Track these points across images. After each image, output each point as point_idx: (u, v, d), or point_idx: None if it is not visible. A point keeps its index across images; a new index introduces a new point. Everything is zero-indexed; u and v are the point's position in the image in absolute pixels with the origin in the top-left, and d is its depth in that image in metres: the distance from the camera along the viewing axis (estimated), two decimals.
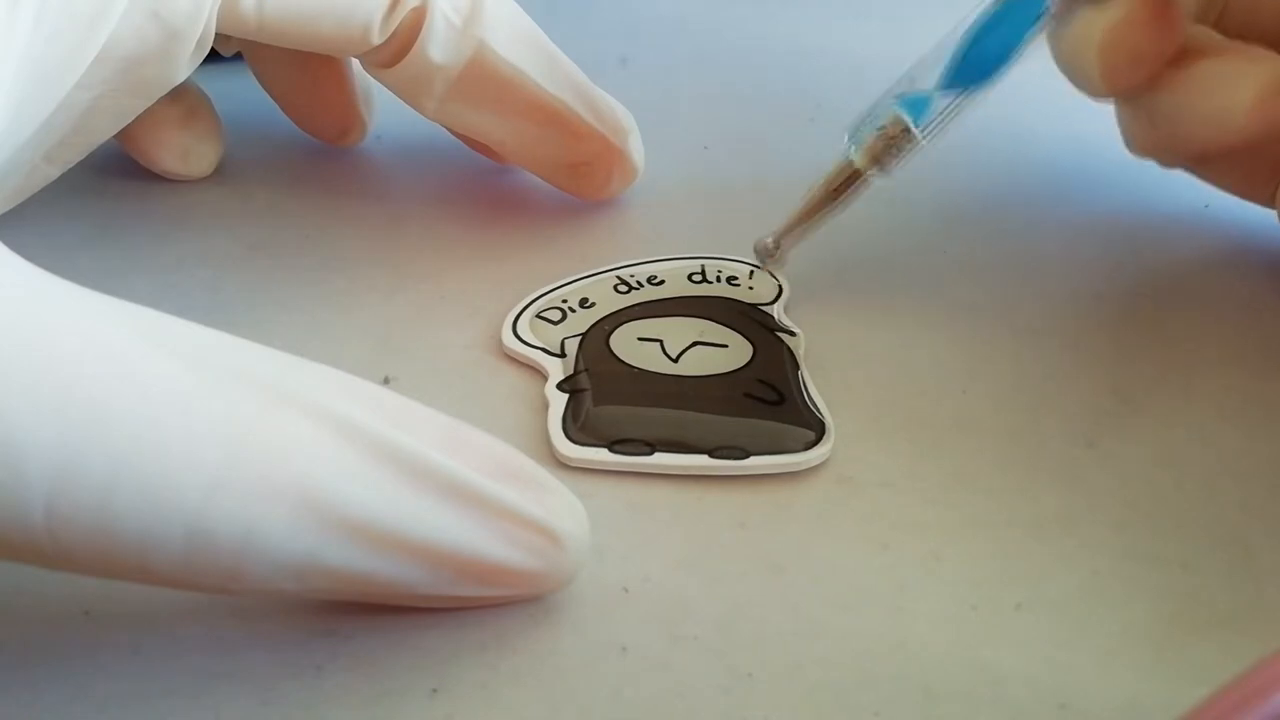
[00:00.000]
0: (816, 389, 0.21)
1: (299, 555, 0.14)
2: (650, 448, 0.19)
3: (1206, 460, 0.20)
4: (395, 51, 0.23)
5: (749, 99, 0.33)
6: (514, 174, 0.28)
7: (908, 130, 0.22)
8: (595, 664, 0.16)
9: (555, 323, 0.22)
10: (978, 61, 0.22)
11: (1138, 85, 0.22)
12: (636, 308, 0.23)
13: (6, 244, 0.14)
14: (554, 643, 0.16)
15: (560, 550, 0.16)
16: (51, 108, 0.19)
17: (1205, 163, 0.24)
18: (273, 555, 0.14)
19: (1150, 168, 0.25)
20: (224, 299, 0.23)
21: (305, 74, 0.27)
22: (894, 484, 0.19)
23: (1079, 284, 0.25)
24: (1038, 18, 0.22)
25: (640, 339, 0.22)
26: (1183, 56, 0.22)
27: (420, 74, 0.23)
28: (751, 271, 0.24)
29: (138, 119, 0.23)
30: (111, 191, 0.27)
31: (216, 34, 0.21)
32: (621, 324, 0.22)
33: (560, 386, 0.21)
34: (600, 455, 0.19)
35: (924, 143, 0.22)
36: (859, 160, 0.22)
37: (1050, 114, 0.26)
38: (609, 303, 0.23)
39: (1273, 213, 0.24)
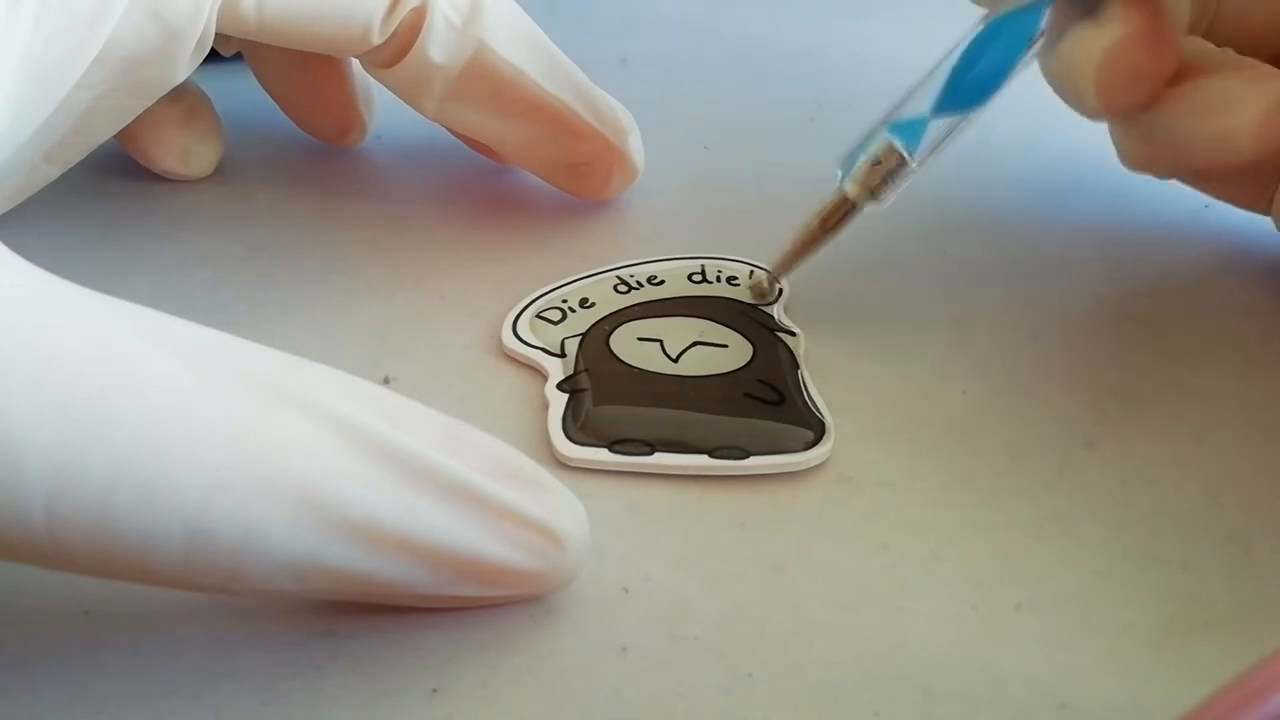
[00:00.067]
0: (816, 389, 0.21)
1: (299, 555, 0.14)
2: (650, 448, 0.19)
3: (1206, 460, 0.20)
4: (395, 51, 0.23)
5: (749, 99, 0.33)
6: (514, 174, 0.28)
7: (901, 157, 0.21)
8: (595, 664, 0.16)
9: (555, 323, 0.22)
10: (970, 84, 0.21)
11: (1135, 105, 0.22)
12: (636, 308, 0.23)
13: (6, 244, 0.14)
14: (554, 643, 0.16)
15: (560, 550, 0.16)
16: (51, 108, 0.19)
17: (1198, 175, 0.24)
18: (273, 555, 0.14)
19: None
20: (224, 299, 0.23)
21: (305, 74, 0.27)
22: (894, 484, 0.19)
23: (1079, 284, 0.25)
24: (1030, 39, 0.22)
25: (640, 339, 0.22)
26: (1180, 74, 0.22)
27: (420, 74, 0.23)
28: (751, 271, 0.24)
29: (138, 119, 0.23)
30: (111, 191, 0.27)
31: (216, 34, 0.21)
32: (621, 324, 0.22)
33: (560, 386, 0.21)
34: (600, 455, 0.19)
35: (917, 169, 0.21)
36: (851, 191, 0.22)
37: (1050, 117, 0.26)
38: (609, 303, 0.23)
39: (1270, 217, 0.24)
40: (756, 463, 0.19)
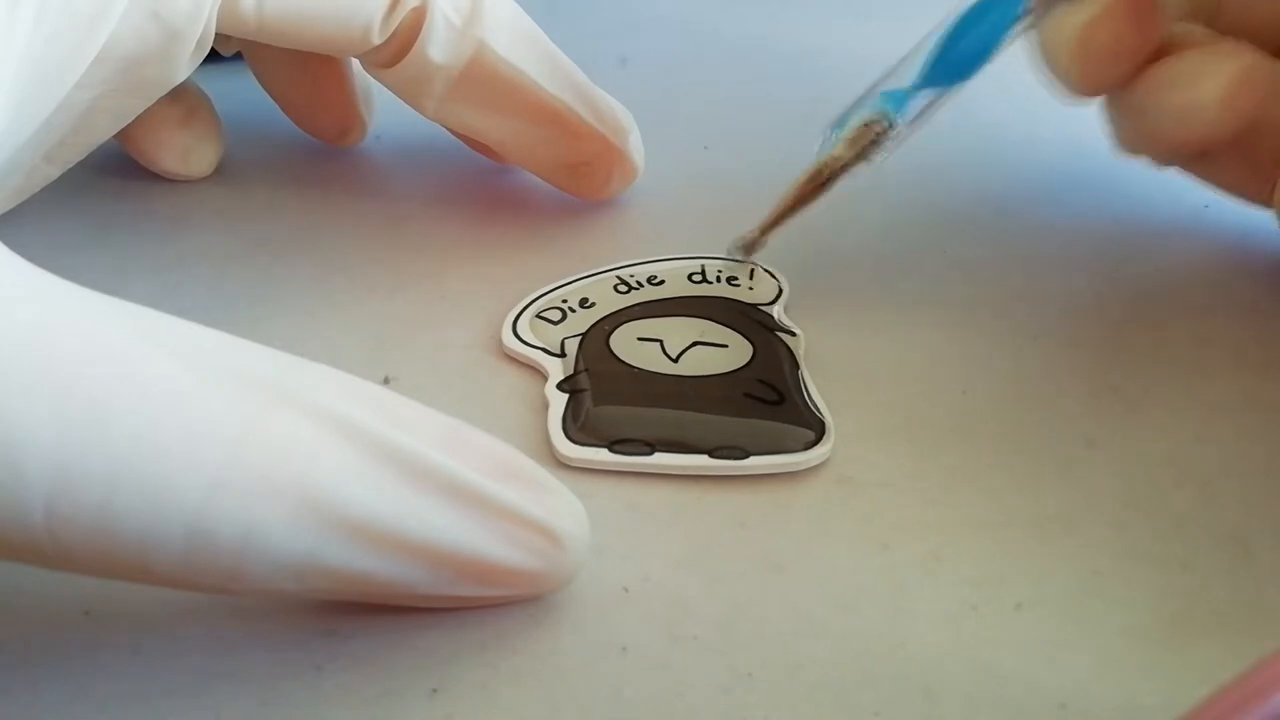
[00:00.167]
0: (816, 389, 0.21)
1: (299, 555, 0.14)
2: (650, 448, 0.19)
3: (1206, 460, 0.20)
4: (395, 51, 0.23)
5: (749, 99, 0.33)
6: (514, 174, 0.28)
7: (889, 124, 0.22)
8: (595, 664, 0.16)
9: (555, 323, 0.22)
10: (957, 60, 0.22)
11: (1115, 84, 0.22)
12: (636, 308, 0.23)
13: (6, 244, 0.14)
14: (554, 643, 0.16)
15: (560, 550, 0.16)
16: (51, 108, 0.19)
17: (1195, 161, 0.24)
18: (273, 555, 0.14)
19: (1148, 168, 0.25)
20: (224, 299, 0.23)
21: (305, 74, 0.27)
22: (894, 484, 0.19)
23: (1079, 284, 0.25)
24: (1017, 17, 0.22)
25: (640, 339, 0.22)
26: (1161, 52, 0.22)
27: (420, 74, 0.23)
28: (752, 271, 0.24)
29: (138, 119, 0.23)
30: (111, 191, 0.27)
31: (216, 34, 0.21)
32: (621, 324, 0.22)
33: (560, 386, 0.21)
34: (600, 455, 0.19)
35: (903, 135, 0.22)
36: (842, 152, 0.22)
37: (1050, 115, 0.26)
38: (609, 303, 0.23)
39: (1272, 213, 0.24)
40: (756, 463, 0.19)
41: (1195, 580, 0.18)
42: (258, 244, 0.25)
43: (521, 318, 0.22)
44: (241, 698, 0.15)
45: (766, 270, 0.24)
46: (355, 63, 0.27)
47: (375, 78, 0.25)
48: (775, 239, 0.23)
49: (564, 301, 0.23)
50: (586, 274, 0.24)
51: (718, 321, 0.22)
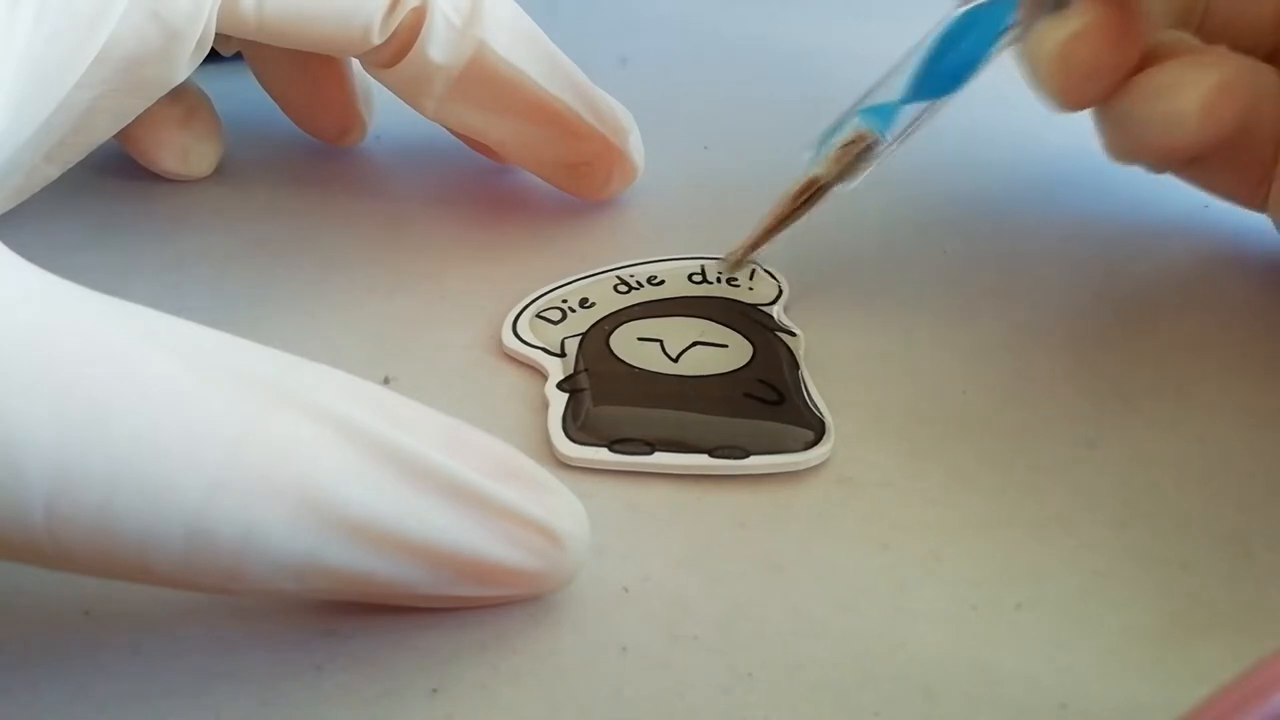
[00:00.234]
0: (816, 389, 0.21)
1: (299, 555, 0.14)
2: (650, 447, 0.19)
3: (1206, 460, 0.20)
4: (395, 51, 0.23)
5: (749, 99, 0.33)
6: (514, 174, 0.28)
7: (870, 141, 0.22)
8: (595, 664, 0.16)
9: (555, 322, 0.22)
10: (943, 73, 0.22)
11: (1096, 98, 0.22)
12: (636, 308, 0.23)
13: (6, 244, 0.14)
14: (554, 643, 0.16)
15: (560, 550, 0.16)
16: (51, 108, 0.19)
17: (1187, 167, 0.24)
18: (273, 555, 0.14)
19: (1144, 172, 0.25)
20: (224, 299, 0.23)
21: (305, 74, 0.27)
22: (894, 484, 0.19)
23: (1079, 284, 0.25)
24: (1003, 31, 0.22)
25: (640, 339, 0.22)
26: (1147, 61, 0.22)
27: (420, 74, 0.23)
28: (752, 272, 0.24)
29: (138, 119, 0.23)
30: (111, 191, 0.27)
31: (216, 34, 0.21)
32: (621, 324, 0.22)
33: (560, 386, 0.21)
34: (600, 455, 0.19)
35: (885, 151, 0.22)
36: (824, 170, 0.22)
37: (1050, 116, 0.26)
38: (609, 303, 0.23)
39: (1268, 216, 0.24)
40: (756, 462, 0.19)
41: (1195, 580, 0.18)
42: (258, 244, 0.25)
43: (521, 318, 0.22)
44: (241, 698, 0.15)
45: (766, 270, 0.24)
46: (355, 63, 0.27)
47: (375, 78, 0.25)
48: (770, 246, 0.23)
49: (564, 301, 0.23)
50: (586, 274, 0.24)
51: (718, 321, 0.22)
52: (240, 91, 0.28)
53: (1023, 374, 0.22)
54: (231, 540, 0.14)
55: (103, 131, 0.22)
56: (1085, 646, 0.16)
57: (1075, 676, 0.16)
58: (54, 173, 0.22)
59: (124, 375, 0.13)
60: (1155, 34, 0.23)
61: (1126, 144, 0.23)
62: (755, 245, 0.23)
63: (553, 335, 0.22)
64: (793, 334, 0.22)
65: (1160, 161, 0.24)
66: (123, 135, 0.25)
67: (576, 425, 0.20)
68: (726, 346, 0.22)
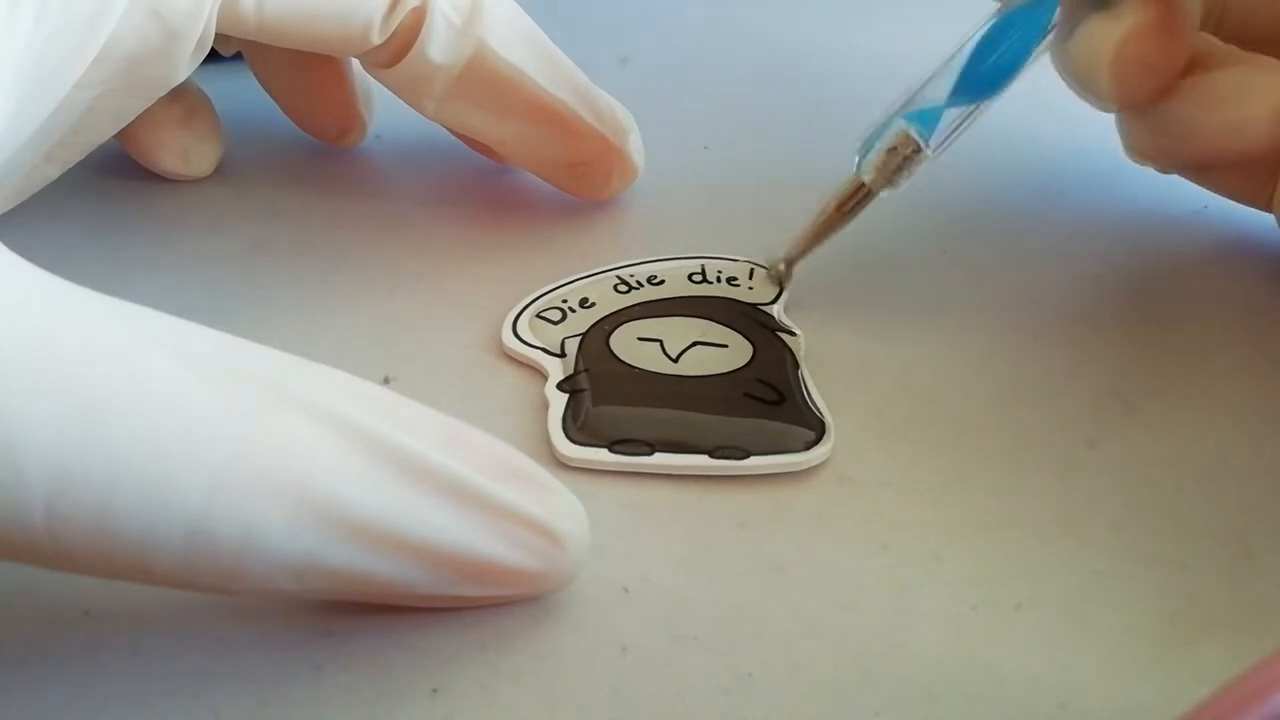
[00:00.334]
0: (816, 389, 0.21)
1: (299, 555, 0.14)
2: (650, 448, 0.19)
3: (1206, 460, 0.20)
4: (395, 51, 0.23)
5: (749, 99, 0.33)
6: (514, 174, 0.28)
7: (917, 145, 0.22)
8: (595, 664, 0.16)
9: (555, 322, 0.22)
10: (985, 74, 0.22)
11: (1148, 97, 0.22)
12: (636, 308, 0.23)
13: (6, 244, 0.14)
14: (554, 643, 0.16)
15: (560, 550, 0.16)
16: (51, 107, 0.19)
17: (1207, 169, 0.25)
18: (273, 555, 0.14)
19: (1149, 169, 0.25)
20: (224, 299, 0.23)
21: (305, 74, 0.27)
22: (894, 484, 0.19)
23: (1079, 284, 0.25)
24: (1045, 29, 0.22)
25: (640, 339, 0.22)
26: (1191, 67, 0.22)
27: (420, 74, 0.23)
28: (751, 271, 0.24)
29: (138, 119, 0.23)
30: (111, 191, 0.27)
31: (216, 34, 0.21)
32: (621, 324, 0.22)
33: (560, 386, 0.21)
34: (600, 455, 0.19)
35: (932, 156, 0.22)
36: (869, 178, 0.22)
37: (1051, 115, 0.26)
38: (609, 303, 0.23)
39: (1271, 213, 0.24)
40: (756, 463, 0.19)
41: (1195, 580, 0.18)
42: (257, 244, 0.25)
43: (521, 318, 0.22)
44: (241, 698, 0.15)
45: (766, 270, 0.24)
46: (355, 63, 0.27)
47: (375, 78, 0.25)
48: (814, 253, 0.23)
49: (564, 301, 0.23)
50: (586, 274, 0.23)
51: (718, 321, 0.22)
52: (240, 91, 0.28)
53: (1023, 374, 0.22)
54: (231, 540, 0.14)
55: (103, 131, 0.22)
56: (1085, 646, 0.16)
57: (1075, 676, 0.16)
58: (54, 172, 0.22)
59: (124, 375, 0.13)
60: (1194, 37, 0.23)
61: (1171, 146, 0.23)
62: (803, 252, 0.23)
63: (553, 335, 0.22)
64: (793, 334, 0.22)
65: (1202, 164, 0.24)
66: (123, 135, 0.25)
67: (576, 425, 0.20)
68: (726, 346, 0.22)
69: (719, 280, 0.23)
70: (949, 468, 0.19)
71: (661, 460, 0.19)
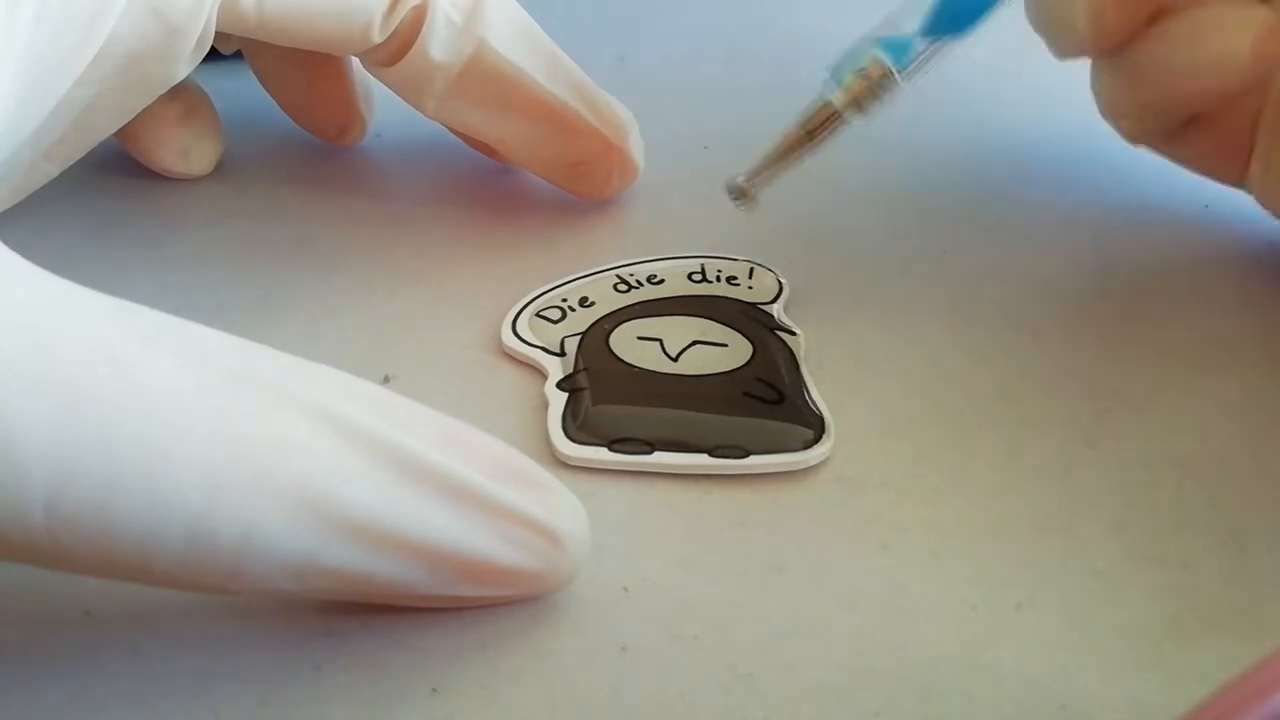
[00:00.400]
0: (816, 388, 0.21)
1: (299, 555, 0.14)
2: (650, 447, 0.19)
3: (1206, 460, 0.20)
4: (396, 50, 0.23)
5: (749, 97, 0.33)
6: (514, 173, 0.28)
7: (888, 73, 0.21)
8: (595, 663, 0.16)
9: (555, 322, 0.22)
10: (957, 12, 0.21)
11: (1125, 36, 0.22)
12: (636, 307, 0.23)
13: (6, 243, 0.14)
14: (554, 642, 0.16)
15: (560, 550, 0.16)
16: (51, 105, 0.19)
17: (1172, 137, 0.24)
18: (272, 555, 0.14)
19: (1151, 167, 0.25)
20: (224, 298, 0.23)
21: (305, 72, 0.27)
22: (894, 484, 0.19)
23: (1079, 284, 0.25)
24: None
25: (640, 338, 0.22)
26: (1163, 11, 0.22)
27: (420, 72, 0.23)
28: (751, 271, 0.24)
29: (138, 117, 0.23)
30: (111, 190, 0.26)
31: (216, 32, 0.21)
32: (621, 323, 0.22)
33: (560, 385, 0.21)
34: (600, 454, 0.19)
35: (903, 85, 0.21)
36: (838, 101, 0.22)
37: (1051, 115, 0.26)
38: (609, 302, 0.23)
39: (1244, 189, 0.24)
40: (756, 462, 0.19)
41: (1195, 580, 0.18)
42: (257, 243, 0.25)
43: (521, 317, 0.22)
44: (241, 698, 0.15)
45: (767, 269, 0.24)
46: (355, 61, 0.27)
47: (375, 76, 0.25)
48: (778, 176, 0.23)
49: (564, 300, 0.23)
50: (586, 273, 0.23)
51: (717, 320, 0.22)
52: (240, 90, 0.28)
53: (1023, 374, 0.22)
54: (231, 540, 0.14)
55: (103, 129, 0.22)
56: (1085, 646, 0.16)
57: (1075, 676, 0.16)
58: (54, 170, 0.22)
59: (124, 375, 0.13)
60: None
61: (1147, 94, 0.23)
62: (757, 173, 0.22)
63: (552, 334, 0.22)
64: (793, 333, 0.22)
65: (1166, 115, 0.24)
66: (122, 133, 0.25)
67: (576, 425, 0.20)
68: (726, 345, 0.22)
69: (719, 279, 0.23)
70: (949, 468, 0.19)
71: (661, 459, 0.19)
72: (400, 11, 0.22)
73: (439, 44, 0.23)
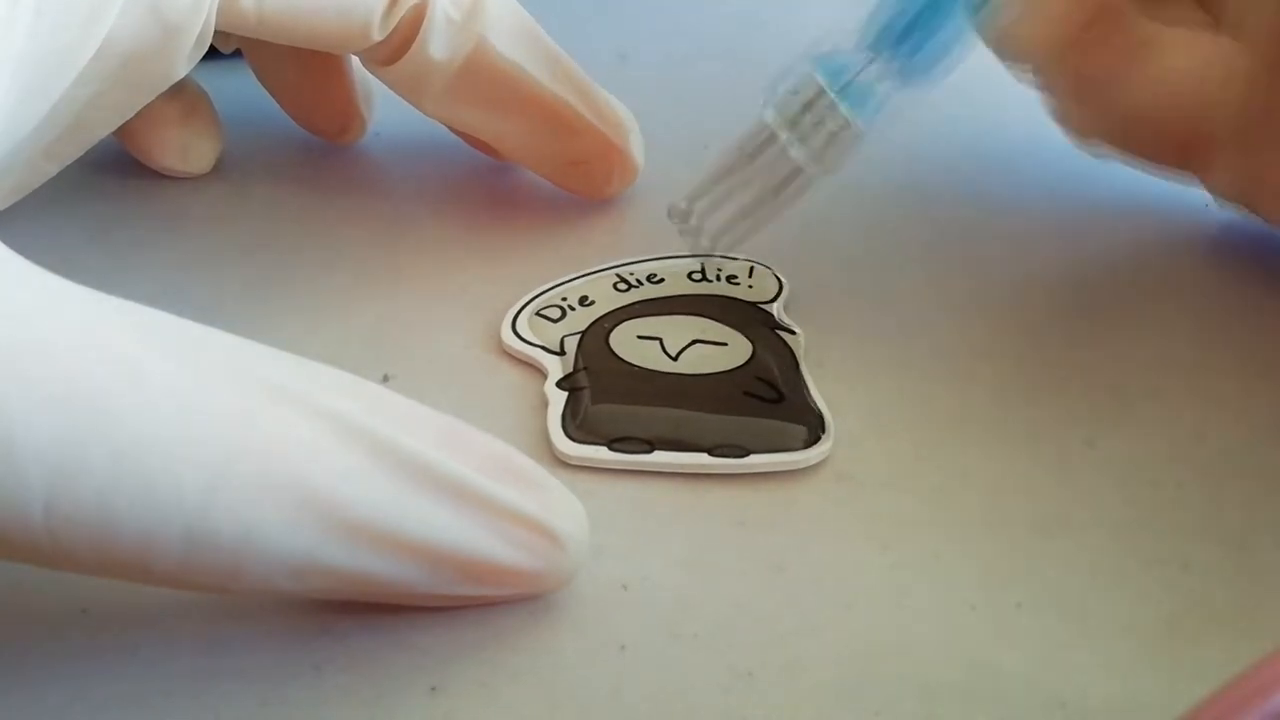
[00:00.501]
0: (816, 387, 0.21)
1: (298, 554, 0.14)
2: (650, 446, 0.19)
3: (1206, 460, 0.20)
4: (395, 48, 0.23)
5: (750, 97, 0.33)
6: (514, 172, 0.28)
7: (821, 91, 0.21)
8: (595, 663, 0.16)
9: (555, 321, 0.22)
10: (896, 27, 0.21)
11: (1061, 46, 0.22)
12: (636, 306, 0.23)
13: (6, 242, 0.14)
14: (553, 642, 0.16)
15: (559, 550, 0.16)
16: (51, 103, 0.19)
17: (1129, 137, 0.24)
18: (272, 554, 0.14)
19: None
20: (223, 297, 0.23)
21: (305, 71, 0.27)
22: (894, 484, 0.19)
23: (1079, 283, 0.25)
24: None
25: (640, 337, 0.22)
26: (1101, 16, 0.22)
27: (420, 71, 0.23)
28: (751, 270, 0.24)
29: (137, 116, 0.23)
30: (111, 189, 0.26)
31: (216, 31, 0.21)
32: (621, 322, 0.22)
33: (560, 385, 0.21)
34: (600, 453, 0.19)
35: (837, 100, 0.21)
36: (772, 120, 0.21)
37: (1049, 116, 0.26)
38: (608, 301, 0.23)
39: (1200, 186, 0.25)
40: (756, 461, 0.19)
41: (1195, 580, 0.18)
42: (257, 242, 0.25)
43: (521, 316, 0.22)
44: (241, 698, 0.15)
45: (766, 268, 0.24)
46: (355, 60, 0.27)
47: (375, 75, 0.25)
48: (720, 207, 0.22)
49: (563, 299, 0.23)
50: (586, 272, 0.23)
51: (717, 319, 0.22)
52: (240, 89, 0.28)
53: (1022, 373, 0.22)
54: (230, 539, 0.14)
55: (102, 128, 0.22)
56: (1085, 646, 0.16)
57: (1075, 676, 0.16)
58: (53, 169, 0.22)
59: (124, 375, 0.13)
60: None
61: (1110, 116, 0.23)
62: (696, 197, 0.22)
63: (552, 333, 0.22)
64: (792, 332, 0.22)
65: (1137, 136, 0.24)
66: (122, 132, 0.25)
67: (576, 424, 0.20)
68: (726, 345, 0.21)
69: (719, 278, 0.23)
70: (949, 468, 0.19)
71: (661, 458, 0.19)
72: (400, 10, 0.22)
73: (438, 42, 0.23)
